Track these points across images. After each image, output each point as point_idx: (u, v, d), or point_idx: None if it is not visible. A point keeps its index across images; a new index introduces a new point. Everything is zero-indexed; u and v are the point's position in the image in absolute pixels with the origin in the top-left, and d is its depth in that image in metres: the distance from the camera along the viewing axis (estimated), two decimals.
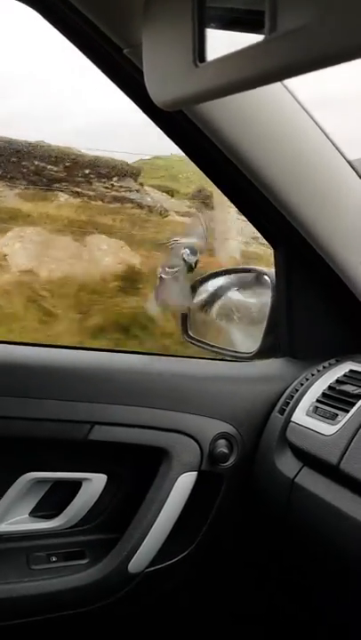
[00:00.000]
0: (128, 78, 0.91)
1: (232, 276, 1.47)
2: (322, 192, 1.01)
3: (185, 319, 1.42)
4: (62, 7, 0.83)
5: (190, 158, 1.03)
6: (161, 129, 0.99)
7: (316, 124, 0.97)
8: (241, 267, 1.47)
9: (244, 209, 1.10)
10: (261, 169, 0.96)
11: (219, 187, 1.06)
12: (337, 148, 1.00)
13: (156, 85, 0.72)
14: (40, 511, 1.07)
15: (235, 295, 1.45)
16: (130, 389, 1.07)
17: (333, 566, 0.96)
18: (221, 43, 0.64)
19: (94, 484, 1.07)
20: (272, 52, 0.55)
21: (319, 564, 1.00)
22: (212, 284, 1.47)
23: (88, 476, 1.07)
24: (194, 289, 1.46)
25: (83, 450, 1.05)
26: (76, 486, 1.07)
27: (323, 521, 0.94)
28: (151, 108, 0.85)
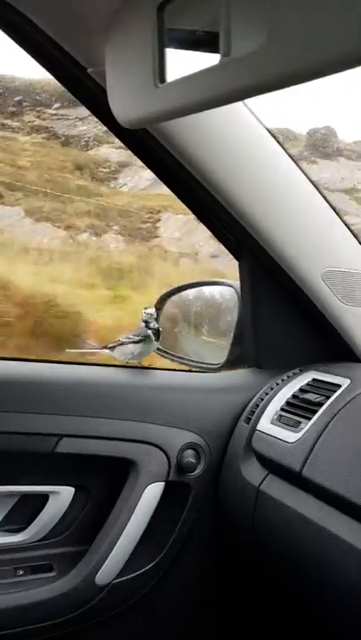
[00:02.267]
0: (92, 97, 0.93)
1: (199, 289, 1.49)
2: (281, 205, 1.04)
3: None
4: (26, 27, 0.85)
5: (154, 173, 1.05)
6: (125, 145, 1.01)
7: (275, 138, 1.01)
8: (207, 279, 1.50)
9: (207, 222, 1.12)
10: (222, 183, 0.99)
11: (183, 201, 1.09)
12: (295, 162, 1.03)
13: (119, 104, 0.74)
14: (7, 525, 1.07)
15: (202, 307, 1.47)
16: (97, 401, 1.07)
17: (301, 571, 0.97)
18: (181, 64, 0.67)
19: (62, 496, 1.07)
20: (227, 75, 0.58)
21: (287, 568, 1.01)
22: (180, 297, 1.49)
23: (55, 489, 1.07)
24: (162, 302, 1.48)
25: (50, 462, 1.06)
26: (43, 499, 1.07)
27: (288, 527, 0.96)
28: (115, 126, 0.87)
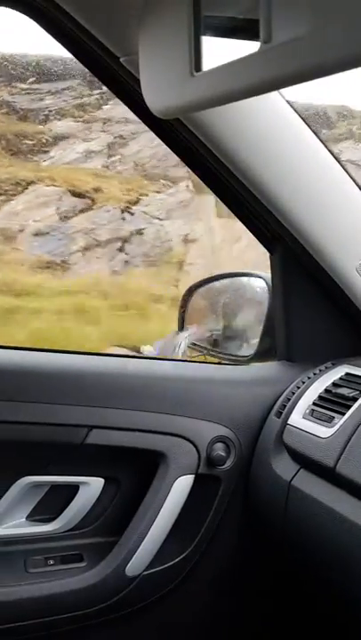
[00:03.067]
0: (125, 86, 0.92)
1: (229, 280, 1.48)
2: (317, 197, 1.02)
3: (182, 323, 1.44)
4: (59, 16, 0.84)
5: (187, 165, 1.04)
6: (158, 136, 0.99)
7: (312, 130, 0.99)
8: (238, 271, 1.48)
9: (240, 214, 1.11)
10: (257, 175, 0.97)
11: (215, 193, 1.07)
12: (333, 155, 1.01)
13: (152, 94, 0.73)
14: (37, 515, 1.08)
15: (232, 299, 1.46)
16: (127, 393, 1.07)
17: (332, 568, 0.96)
18: (218, 52, 0.65)
19: (91, 487, 1.08)
20: (267, 63, 0.56)
21: (318, 565, 1.00)
22: (210, 288, 1.48)
23: (85, 480, 1.07)
24: (190, 292, 1.47)
25: (80, 453, 1.06)
26: (73, 490, 1.07)
27: (320, 523, 0.95)
28: (148, 116, 0.86)
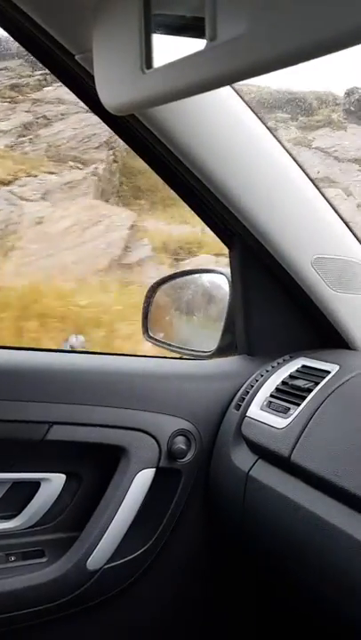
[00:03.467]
0: (80, 83, 0.92)
1: (191, 277, 1.49)
2: (272, 193, 1.04)
3: (145, 319, 1.45)
4: (15, 14, 0.84)
5: (144, 160, 1.05)
6: (115, 132, 1.00)
7: (264, 124, 1.01)
8: (199, 267, 1.50)
9: (198, 210, 1.12)
10: (212, 171, 0.99)
11: (173, 189, 1.09)
12: (286, 149, 1.03)
13: (106, 90, 0.74)
14: None
15: (193, 295, 1.47)
16: (88, 389, 1.08)
17: (288, 556, 0.99)
18: (168, 50, 0.67)
19: (53, 483, 1.08)
20: (213, 60, 0.58)
21: (275, 553, 1.03)
22: (171, 285, 1.49)
23: (47, 476, 1.08)
24: (153, 290, 1.48)
25: (41, 450, 1.06)
26: (34, 486, 1.08)
27: (276, 512, 0.97)
28: (103, 112, 0.87)
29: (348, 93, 13.41)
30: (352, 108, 13.42)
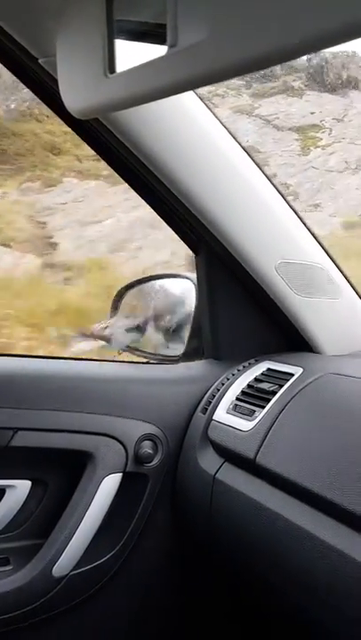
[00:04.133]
0: (44, 86, 0.92)
1: (158, 282, 1.50)
2: (234, 197, 1.06)
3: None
4: None
5: (109, 165, 1.05)
6: (79, 136, 1.00)
7: (227, 130, 1.02)
8: (165, 272, 1.51)
9: (164, 215, 1.13)
10: (176, 176, 1.00)
11: (138, 193, 1.09)
12: (248, 155, 1.05)
13: (70, 94, 0.74)
14: None
15: (160, 300, 1.48)
16: (53, 394, 1.07)
17: (255, 557, 0.99)
18: (130, 55, 0.67)
19: (18, 490, 1.07)
20: (174, 66, 0.58)
21: (243, 554, 1.03)
22: (138, 290, 1.50)
23: (11, 483, 1.06)
24: (120, 295, 1.48)
25: (5, 456, 1.05)
26: None
27: (243, 513, 0.98)
28: (67, 115, 0.87)
29: (310, 58, 12.99)
30: (311, 71, 13.07)
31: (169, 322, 1.41)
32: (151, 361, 1.36)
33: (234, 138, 1.02)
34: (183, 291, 1.37)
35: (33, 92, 0.95)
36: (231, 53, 0.54)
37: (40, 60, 0.88)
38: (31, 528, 1.09)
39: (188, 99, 0.96)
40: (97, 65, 0.67)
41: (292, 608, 0.94)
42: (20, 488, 1.07)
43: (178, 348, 1.33)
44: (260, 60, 0.52)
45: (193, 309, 1.29)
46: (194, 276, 1.27)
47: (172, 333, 1.39)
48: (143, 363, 1.35)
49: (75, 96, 0.74)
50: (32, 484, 1.08)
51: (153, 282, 1.50)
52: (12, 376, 1.07)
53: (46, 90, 0.93)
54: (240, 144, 1.03)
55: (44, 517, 1.09)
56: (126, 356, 1.40)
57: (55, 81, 0.84)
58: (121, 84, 0.66)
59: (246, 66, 0.54)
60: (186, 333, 1.31)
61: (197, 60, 0.56)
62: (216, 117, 1.01)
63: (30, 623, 1.06)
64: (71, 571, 1.06)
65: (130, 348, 1.40)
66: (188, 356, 1.28)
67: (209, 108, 1.00)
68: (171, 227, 1.17)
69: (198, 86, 0.62)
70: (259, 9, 0.50)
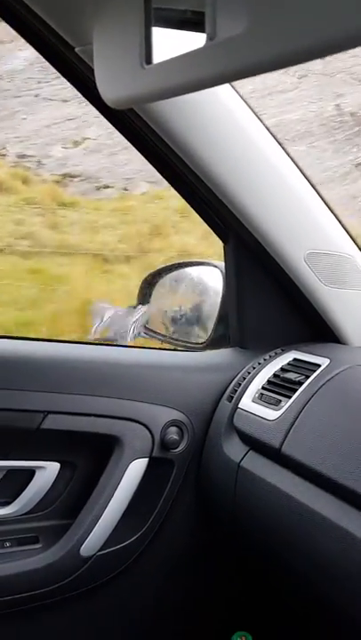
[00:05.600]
0: (80, 76, 0.93)
1: (185, 269, 1.51)
2: (266, 187, 1.06)
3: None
4: (16, 5, 0.85)
5: (142, 154, 1.05)
6: (112, 125, 1.01)
7: (261, 122, 1.02)
8: (193, 260, 1.51)
9: (194, 204, 1.13)
10: (209, 166, 1.00)
11: (169, 182, 1.10)
12: (280, 145, 1.05)
13: (105, 84, 0.74)
14: None
15: (187, 288, 1.49)
16: (83, 379, 1.09)
17: (279, 545, 1.01)
18: (168, 45, 0.67)
19: (47, 471, 1.09)
20: (212, 58, 0.59)
21: (266, 542, 1.05)
22: (166, 277, 1.51)
23: (41, 465, 1.09)
24: (148, 282, 1.50)
25: (36, 438, 1.07)
26: (29, 474, 1.09)
27: (267, 502, 0.99)
28: (102, 105, 0.88)
29: None
30: None
31: (196, 309, 1.42)
32: (178, 348, 1.37)
33: (267, 128, 1.02)
34: (210, 278, 1.38)
35: (68, 80, 0.96)
36: (271, 46, 0.53)
37: (76, 49, 0.88)
38: (59, 509, 1.12)
39: (221, 88, 0.96)
40: (134, 55, 0.67)
41: (318, 597, 0.95)
42: (50, 469, 1.09)
43: (203, 336, 1.34)
44: (301, 53, 0.52)
45: (219, 297, 1.30)
46: (221, 264, 1.28)
47: (198, 321, 1.40)
48: (170, 349, 1.36)
49: (111, 86, 0.74)
50: (61, 465, 1.10)
51: (180, 269, 1.51)
52: (42, 360, 1.09)
53: (82, 79, 0.93)
54: (273, 134, 1.03)
55: (72, 499, 1.12)
56: (152, 342, 1.41)
57: (91, 70, 0.85)
58: (158, 75, 0.66)
59: (286, 59, 0.54)
60: (212, 321, 1.32)
61: (236, 52, 0.56)
62: (249, 107, 1.00)
63: (57, 600, 1.09)
64: (98, 551, 1.09)
65: (156, 335, 1.41)
66: (213, 343, 1.29)
67: (242, 98, 1.00)
68: (200, 215, 1.17)
69: (236, 79, 0.62)
70: (300, 1, 0.50)
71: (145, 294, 1.47)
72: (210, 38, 0.58)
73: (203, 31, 0.59)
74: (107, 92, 0.74)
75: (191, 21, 0.63)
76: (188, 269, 1.49)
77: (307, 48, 0.51)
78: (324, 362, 1.05)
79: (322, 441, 0.92)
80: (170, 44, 0.66)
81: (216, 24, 0.57)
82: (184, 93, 0.69)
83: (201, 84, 0.63)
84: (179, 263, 1.48)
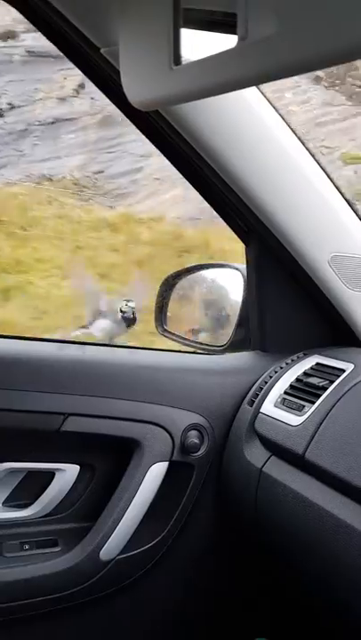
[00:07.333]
0: (105, 77, 0.92)
1: (205, 271, 1.50)
2: (291, 191, 1.04)
3: (160, 313, 1.45)
4: (42, 7, 0.84)
5: (165, 155, 1.05)
6: (136, 126, 1.00)
7: (287, 124, 1.01)
8: (214, 262, 1.50)
9: (216, 206, 1.12)
10: (233, 168, 0.99)
11: (192, 184, 1.09)
12: (307, 149, 1.03)
13: (131, 86, 0.74)
14: (13, 500, 1.09)
15: (208, 290, 1.48)
16: (104, 381, 1.09)
17: (300, 551, 0.99)
18: (197, 46, 0.66)
19: (67, 474, 1.09)
20: (243, 60, 0.57)
21: (288, 549, 1.03)
22: (186, 279, 1.50)
23: (61, 467, 1.09)
24: (168, 283, 1.49)
25: (56, 440, 1.07)
26: (49, 476, 1.09)
27: (290, 508, 0.98)
28: (127, 107, 0.87)
29: None
30: None
31: (216, 312, 1.41)
32: (198, 351, 1.36)
33: (291, 129, 1.01)
34: (230, 281, 1.37)
35: (93, 82, 0.95)
36: (304, 48, 0.52)
37: (102, 50, 0.87)
38: (79, 511, 1.11)
39: (247, 90, 0.95)
40: (161, 56, 0.66)
41: (341, 605, 0.94)
42: (69, 472, 1.09)
43: (223, 339, 1.33)
44: (333, 56, 0.51)
45: (240, 300, 1.29)
46: (242, 266, 1.26)
47: (218, 323, 1.39)
48: (190, 352, 1.35)
49: (137, 88, 0.73)
50: (80, 468, 1.10)
51: (200, 271, 1.50)
52: (63, 362, 1.08)
53: (107, 80, 0.93)
54: (297, 135, 1.02)
55: (92, 501, 1.11)
56: (173, 345, 1.40)
57: (117, 71, 0.84)
58: (186, 76, 0.65)
59: (318, 62, 0.53)
60: (232, 324, 1.31)
61: (268, 54, 0.55)
62: (275, 110, 0.99)
63: (77, 604, 1.09)
64: (118, 555, 1.08)
65: (176, 337, 1.40)
66: (234, 346, 1.28)
67: (268, 100, 0.99)
68: (222, 217, 1.16)
69: (267, 81, 0.61)
70: (333, 2, 0.49)
71: (164, 296, 1.47)
72: (242, 39, 0.57)
73: (233, 32, 0.58)
74: (133, 93, 0.73)
75: (221, 22, 0.62)
76: (209, 271, 1.48)
77: (341, 50, 0.50)
78: (348, 367, 1.04)
79: (347, 447, 0.90)
80: (199, 44, 0.65)
81: (248, 24, 0.56)
82: (212, 95, 0.68)
83: (231, 85, 0.62)
84: (200, 265, 1.47)
